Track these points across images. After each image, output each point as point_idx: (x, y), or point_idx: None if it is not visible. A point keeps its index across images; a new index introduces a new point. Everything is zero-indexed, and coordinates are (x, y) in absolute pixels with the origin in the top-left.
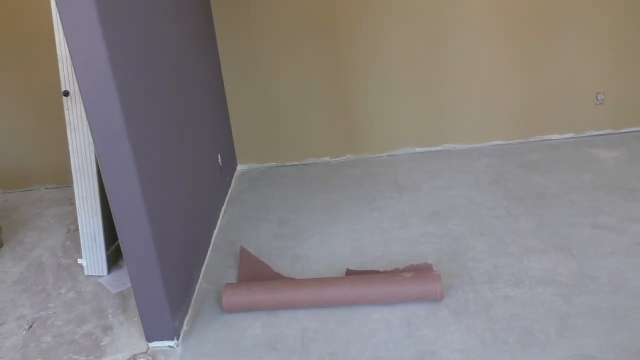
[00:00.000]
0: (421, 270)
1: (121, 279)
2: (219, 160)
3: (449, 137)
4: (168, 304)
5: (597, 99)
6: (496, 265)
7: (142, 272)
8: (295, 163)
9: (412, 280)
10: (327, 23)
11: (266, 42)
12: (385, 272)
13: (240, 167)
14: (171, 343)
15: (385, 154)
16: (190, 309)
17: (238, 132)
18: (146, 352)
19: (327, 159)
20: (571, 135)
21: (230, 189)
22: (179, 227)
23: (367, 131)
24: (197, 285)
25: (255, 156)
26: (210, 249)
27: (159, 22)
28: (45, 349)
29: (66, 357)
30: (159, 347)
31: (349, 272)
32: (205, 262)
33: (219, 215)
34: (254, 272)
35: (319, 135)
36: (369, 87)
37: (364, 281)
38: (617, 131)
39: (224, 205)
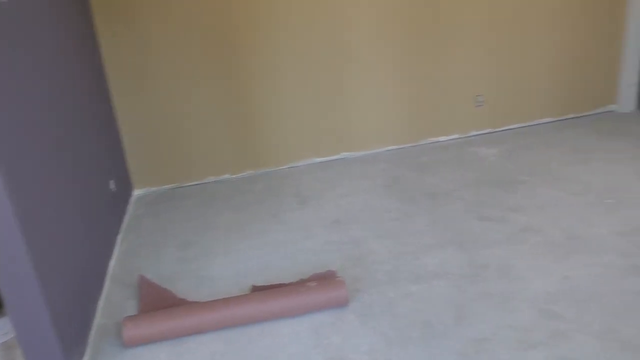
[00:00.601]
0: (325, 278)
1: (4, 327)
2: (112, 187)
3: (346, 145)
4: (61, 349)
5: (477, 100)
6: (396, 265)
7: (27, 318)
8: (195, 183)
9: (317, 289)
10: (220, 36)
11: (156, 60)
12: (290, 284)
13: (136, 192)
14: None
15: (286, 167)
16: (88, 349)
17: (132, 155)
18: None
19: (227, 176)
20: (456, 136)
21: (126, 216)
22: (67, 264)
23: (267, 145)
24: (95, 322)
25: (152, 179)
26: (107, 281)
27: (30, 33)
28: None
29: None
30: None
31: (255, 289)
32: (103, 296)
33: (115, 245)
34: (156, 301)
35: (217, 153)
36: (266, 101)
37: (269, 296)
38: (496, 130)
39: (120, 233)
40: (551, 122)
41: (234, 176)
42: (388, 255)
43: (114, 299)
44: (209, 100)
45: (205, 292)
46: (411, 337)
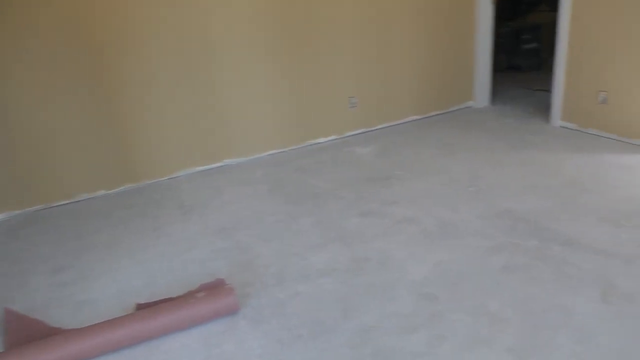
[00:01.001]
0: (214, 287)
1: None
2: None
3: (228, 152)
4: None
5: (350, 102)
6: (284, 267)
7: None
8: (66, 202)
9: (206, 299)
10: (81, 38)
11: (6, 69)
12: (178, 297)
13: None
14: None
15: (166, 178)
16: None
17: None
18: None
19: (103, 192)
20: (334, 137)
21: None
22: None
23: (144, 157)
24: None
25: (14, 202)
26: None
27: None
28: None
29: None
30: None
31: (140, 307)
32: None
33: None
34: (26, 334)
35: (89, 168)
36: (139, 110)
37: (155, 313)
38: (369, 129)
39: None
40: (419, 119)
41: (110, 192)
42: (275, 257)
43: None
44: (74, 112)
45: (86, 317)
46: (302, 335)
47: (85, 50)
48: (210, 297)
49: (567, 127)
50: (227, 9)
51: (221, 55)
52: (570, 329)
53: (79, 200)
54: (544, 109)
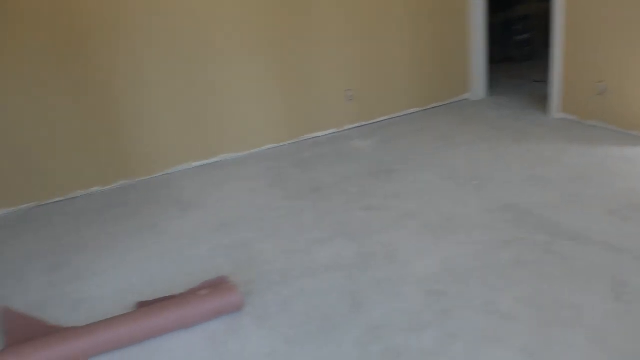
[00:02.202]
0: (217, 285)
1: None
2: None
3: (224, 147)
4: None
5: (346, 95)
6: (288, 262)
7: None
8: (59, 199)
9: (209, 297)
10: (69, 40)
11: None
12: (180, 295)
13: None
14: None
15: (162, 174)
16: None
17: None
18: None
19: (97, 188)
20: (333, 130)
21: None
22: None
23: (139, 153)
24: None
25: (5, 200)
26: None
27: None
28: None
29: None
30: None
31: (141, 305)
32: None
33: None
34: (26, 333)
35: (81, 165)
36: (132, 106)
37: (157, 311)
38: (368, 122)
39: None
40: (417, 111)
41: (104, 188)
42: (279, 253)
43: None
44: (65, 108)
45: (84, 315)
46: (309, 332)
47: (76, 46)
48: (214, 295)
49: (566, 119)
50: (219, 6)
51: (217, 50)
52: (583, 328)
53: (73, 198)
54: (540, 100)
